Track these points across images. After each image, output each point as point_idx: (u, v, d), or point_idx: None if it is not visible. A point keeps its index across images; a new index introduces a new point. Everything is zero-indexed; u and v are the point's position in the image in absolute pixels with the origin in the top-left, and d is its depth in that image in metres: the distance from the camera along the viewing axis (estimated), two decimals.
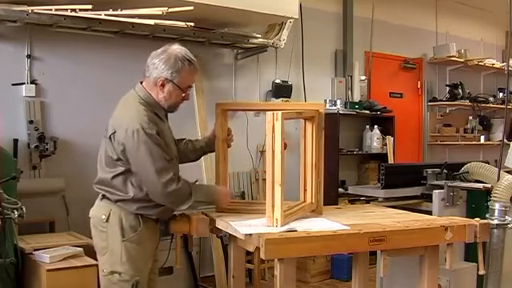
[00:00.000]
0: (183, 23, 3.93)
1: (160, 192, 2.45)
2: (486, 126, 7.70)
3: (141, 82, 2.62)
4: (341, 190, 5.47)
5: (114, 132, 2.48)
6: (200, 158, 2.98)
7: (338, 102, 5.76)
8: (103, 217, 2.54)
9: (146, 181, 2.47)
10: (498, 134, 7.50)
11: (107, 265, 2.54)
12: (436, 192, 3.31)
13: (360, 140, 6.14)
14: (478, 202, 3.34)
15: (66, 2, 3.75)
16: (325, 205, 2.84)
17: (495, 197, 3.08)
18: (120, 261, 2.51)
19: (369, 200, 3.52)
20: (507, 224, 3.04)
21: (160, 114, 2.60)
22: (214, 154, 2.90)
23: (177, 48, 2.57)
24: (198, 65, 2.64)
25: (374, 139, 5.99)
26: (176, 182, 2.46)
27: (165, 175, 2.43)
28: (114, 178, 2.52)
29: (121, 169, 2.50)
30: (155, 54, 2.57)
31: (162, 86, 2.55)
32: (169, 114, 2.72)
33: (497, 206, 3.05)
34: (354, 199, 3.73)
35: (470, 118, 7.48)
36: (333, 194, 5.22)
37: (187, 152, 2.86)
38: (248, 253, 3.27)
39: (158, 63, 2.53)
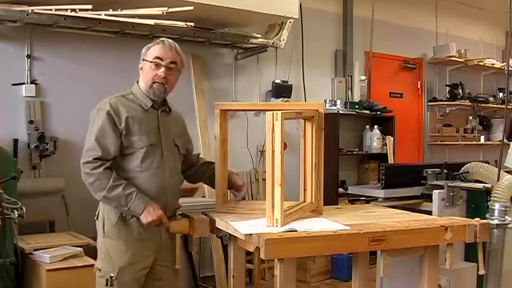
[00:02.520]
0: (183, 23, 3.93)
1: (81, 167, 2.49)
2: (486, 126, 7.70)
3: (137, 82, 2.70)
4: (341, 190, 5.46)
5: None
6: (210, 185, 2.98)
7: (338, 102, 5.77)
8: (95, 216, 2.61)
9: None
10: (498, 134, 7.50)
11: (96, 262, 2.63)
12: (436, 192, 3.31)
13: (360, 140, 6.14)
14: (478, 202, 3.33)
15: (66, 1, 3.75)
16: (325, 205, 2.83)
17: (495, 197, 3.08)
18: (100, 257, 2.57)
19: (369, 200, 3.52)
20: (507, 224, 3.03)
21: (145, 102, 2.61)
22: (213, 154, 2.91)
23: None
24: (171, 43, 2.64)
25: (374, 139, 5.98)
26: (95, 167, 2.45)
27: (88, 154, 2.47)
28: None
29: None
30: None
31: (141, 69, 2.65)
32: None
33: (497, 206, 3.05)
34: (353, 199, 3.73)
35: (470, 117, 7.48)
36: (333, 194, 5.22)
37: (209, 176, 2.88)
38: (248, 253, 3.27)
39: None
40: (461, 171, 3.56)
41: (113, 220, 2.53)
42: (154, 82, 2.58)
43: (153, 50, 2.61)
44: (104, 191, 2.45)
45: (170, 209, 2.65)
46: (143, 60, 2.62)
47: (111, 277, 2.49)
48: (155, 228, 2.57)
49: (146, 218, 2.49)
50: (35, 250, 3.32)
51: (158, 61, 2.58)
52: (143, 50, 2.64)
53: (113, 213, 2.54)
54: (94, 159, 2.46)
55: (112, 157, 2.50)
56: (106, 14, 3.81)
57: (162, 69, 2.58)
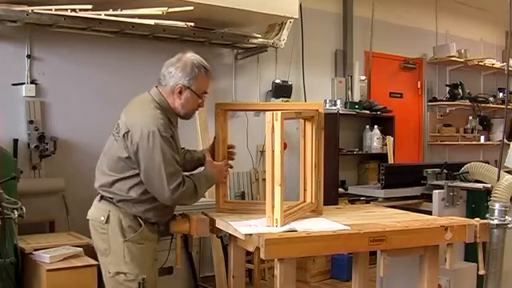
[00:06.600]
0: (183, 23, 3.93)
1: (167, 197, 2.47)
2: (486, 126, 7.70)
3: (156, 87, 2.63)
4: (341, 190, 5.46)
5: (128, 131, 2.48)
6: (195, 169, 2.92)
7: (338, 101, 5.76)
8: (102, 218, 2.55)
9: (155, 183, 2.47)
10: (498, 134, 7.49)
11: (112, 266, 2.55)
12: (436, 192, 3.32)
13: (360, 140, 6.14)
14: (477, 202, 3.34)
15: (66, 1, 3.75)
16: (325, 205, 2.84)
17: (495, 197, 3.08)
18: (124, 261, 2.52)
19: (369, 200, 3.52)
20: (507, 224, 3.04)
21: (173, 119, 2.63)
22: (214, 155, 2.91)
23: (191, 56, 2.60)
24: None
25: (374, 139, 5.98)
26: (182, 185, 2.49)
27: (174, 180, 2.46)
28: (119, 179, 2.53)
29: (128, 171, 2.51)
30: (170, 62, 2.60)
31: (180, 93, 2.58)
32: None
33: (497, 206, 3.05)
34: (353, 199, 3.73)
35: (470, 118, 7.47)
36: (333, 194, 5.22)
37: (184, 162, 2.84)
38: (248, 253, 3.27)
39: (175, 71, 2.56)
40: (461, 171, 3.56)
41: (135, 226, 2.54)
42: (194, 110, 2.70)
43: (203, 82, 2.60)
44: (197, 192, 2.58)
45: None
46: (186, 87, 2.56)
47: (143, 279, 2.51)
48: (155, 227, 2.63)
49: (221, 178, 2.81)
50: (35, 250, 3.32)
51: (204, 95, 2.66)
52: (185, 74, 2.55)
53: (131, 218, 2.54)
54: (183, 178, 2.51)
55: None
56: (106, 14, 3.81)
57: (204, 98, 2.68)
